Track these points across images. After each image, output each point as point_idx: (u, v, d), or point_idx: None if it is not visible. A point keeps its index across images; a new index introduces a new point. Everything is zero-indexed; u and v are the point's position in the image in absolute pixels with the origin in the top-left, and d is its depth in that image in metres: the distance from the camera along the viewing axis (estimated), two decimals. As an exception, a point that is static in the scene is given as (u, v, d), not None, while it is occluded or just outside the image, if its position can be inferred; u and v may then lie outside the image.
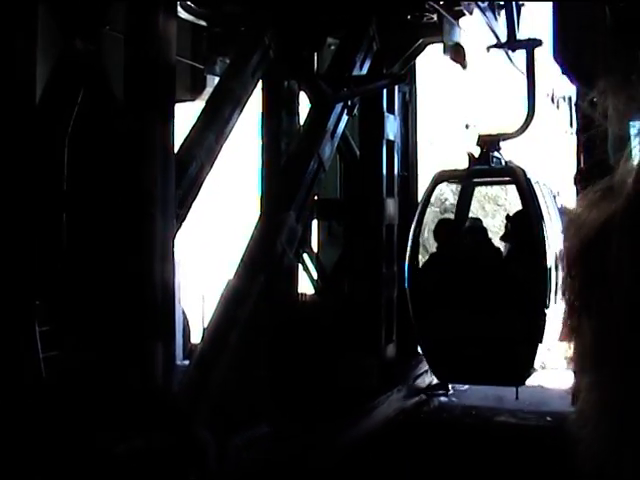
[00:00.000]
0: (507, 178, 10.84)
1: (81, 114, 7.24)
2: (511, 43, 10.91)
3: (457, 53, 10.78)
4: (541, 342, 9.31)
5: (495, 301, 9.54)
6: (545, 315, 9.21)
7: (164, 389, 6.67)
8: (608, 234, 0.97)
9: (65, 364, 6.55)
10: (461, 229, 10.61)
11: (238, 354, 7.59)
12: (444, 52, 10.69)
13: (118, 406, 6.29)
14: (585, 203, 1.03)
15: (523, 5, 11.30)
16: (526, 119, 10.73)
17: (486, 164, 10.32)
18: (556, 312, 9.49)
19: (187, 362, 9.34)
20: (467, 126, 13.47)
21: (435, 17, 10.72)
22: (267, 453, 7.52)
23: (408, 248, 10.11)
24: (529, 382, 10.02)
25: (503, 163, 10.38)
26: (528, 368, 9.61)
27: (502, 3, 11.23)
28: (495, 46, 11.11)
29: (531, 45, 10.61)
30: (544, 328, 9.24)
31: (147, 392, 6.49)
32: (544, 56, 10.77)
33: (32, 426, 6.00)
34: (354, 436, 8.79)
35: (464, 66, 10.74)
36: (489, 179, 11.96)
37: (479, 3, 10.97)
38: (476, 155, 10.34)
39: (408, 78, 11.49)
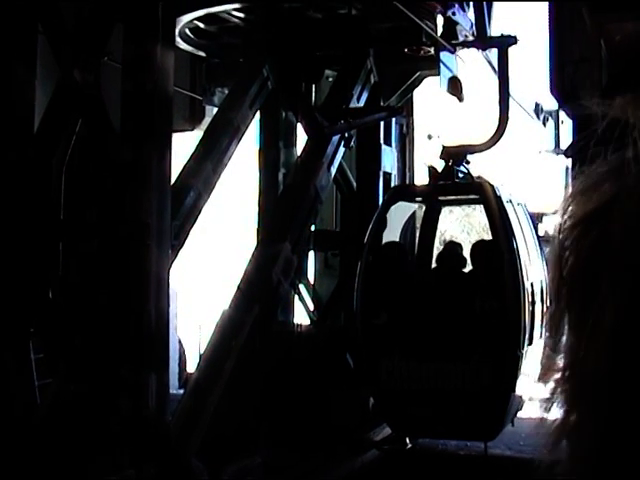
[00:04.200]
0: (474, 196, 9.48)
1: (79, 144, 7.30)
2: (481, 41, 9.71)
3: (454, 86, 10.59)
4: (513, 391, 8.25)
5: (458, 344, 8.32)
6: (518, 358, 8.11)
7: (157, 418, 6.65)
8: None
9: (59, 393, 6.54)
10: (425, 257, 9.46)
11: (233, 383, 7.59)
12: (440, 85, 10.28)
13: (111, 435, 6.28)
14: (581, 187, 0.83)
15: None
16: (498, 128, 9.45)
17: (450, 180, 9.12)
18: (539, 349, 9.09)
19: (182, 391, 9.32)
20: (430, 137, 12.68)
21: (432, 50, 10.67)
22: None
23: (358, 279, 9.03)
24: (525, 414, 9.93)
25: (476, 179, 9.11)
26: (498, 421, 8.53)
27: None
28: (462, 44, 9.95)
29: (504, 43, 9.40)
30: (516, 374, 8.17)
31: (140, 421, 6.48)
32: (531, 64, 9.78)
33: (25, 453, 5.99)
34: (349, 467, 8.75)
35: (461, 99, 10.46)
36: (453, 197, 10.38)
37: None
38: (439, 169, 9.20)
39: (405, 110, 11.49)
